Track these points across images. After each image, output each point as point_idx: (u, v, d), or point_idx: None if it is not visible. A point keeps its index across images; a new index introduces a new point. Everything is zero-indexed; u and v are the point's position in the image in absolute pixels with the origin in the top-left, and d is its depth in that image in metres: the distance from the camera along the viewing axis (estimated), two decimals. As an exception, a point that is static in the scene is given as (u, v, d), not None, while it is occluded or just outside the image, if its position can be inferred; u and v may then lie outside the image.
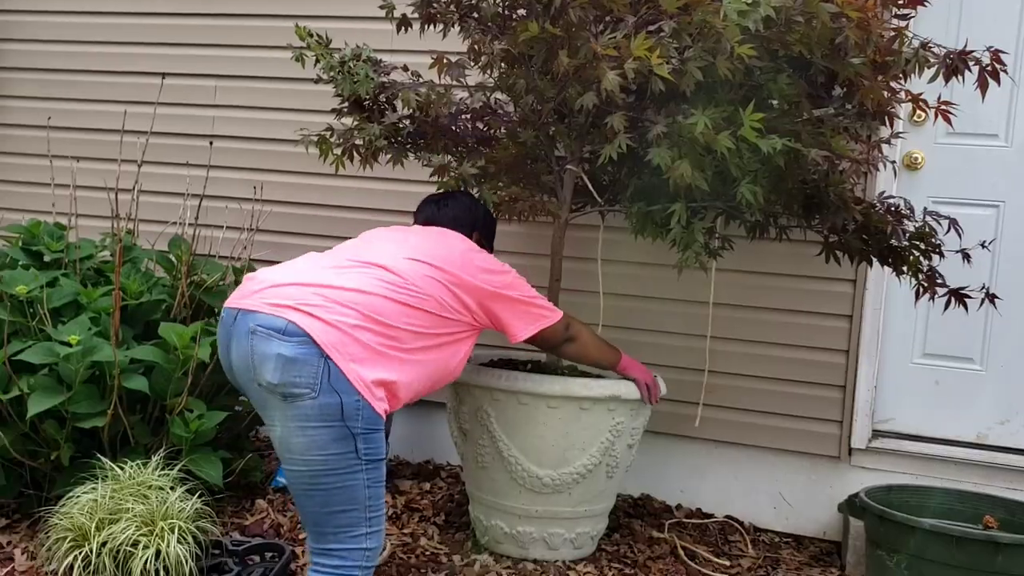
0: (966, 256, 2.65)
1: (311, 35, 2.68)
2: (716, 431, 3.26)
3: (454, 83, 2.53)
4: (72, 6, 3.94)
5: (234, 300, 2.12)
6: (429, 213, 2.61)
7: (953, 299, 2.69)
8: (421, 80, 2.65)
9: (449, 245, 2.37)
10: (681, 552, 2.90)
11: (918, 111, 3.13)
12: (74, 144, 3.81)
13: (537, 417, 2.61)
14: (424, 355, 2.20)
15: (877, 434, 3.19)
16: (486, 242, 2.67)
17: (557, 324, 2.46)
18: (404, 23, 2.65)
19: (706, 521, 3.21)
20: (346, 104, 2.76)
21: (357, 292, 2.10)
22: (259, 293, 2.09)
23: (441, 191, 2.77)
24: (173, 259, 3.12)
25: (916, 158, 3.18)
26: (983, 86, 2.36)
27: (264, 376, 1.99)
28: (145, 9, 3.84)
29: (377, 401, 2.05)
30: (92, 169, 3.67)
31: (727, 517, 3.26)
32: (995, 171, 3.14)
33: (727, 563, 2.89)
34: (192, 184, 3.34)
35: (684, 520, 3.19)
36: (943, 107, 2.43)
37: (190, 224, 3.26)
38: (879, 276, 3.13)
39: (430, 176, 2.79)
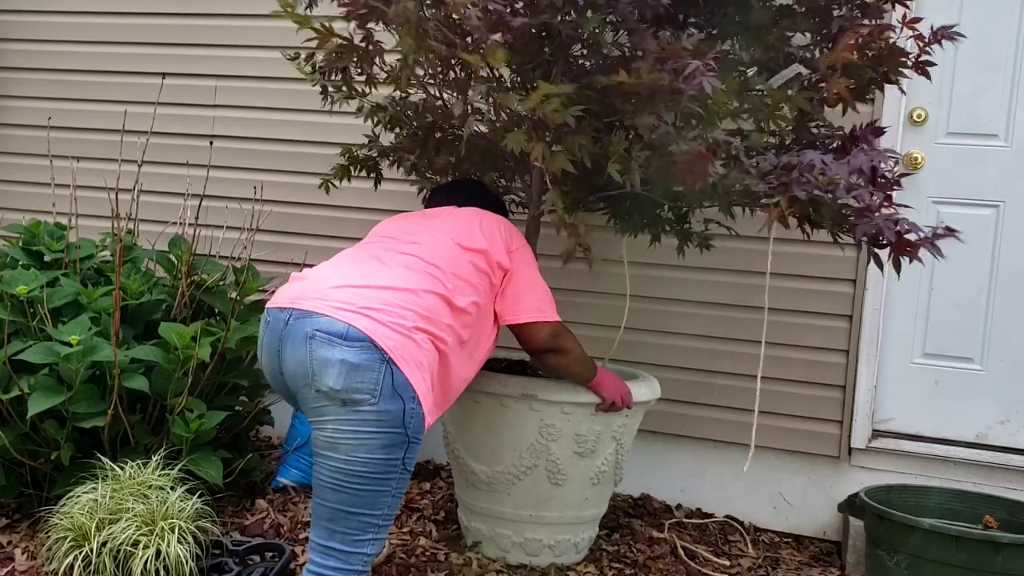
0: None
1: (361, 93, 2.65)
2: (716, 431, 3.27)
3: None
4: (72, 6, 3.94)
5: (285, 300, 2.07)
6: (439, 202, 2.59)
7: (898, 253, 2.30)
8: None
9: (474, 224, 2.35)
10: (681, 552, 2.90)
11: (917, 111, 3.15)
12: (74, 144, 3.81)
13: (468, 411, 2.62)
14: (466, 350, 2.21)
15: (877, 434, 3.19)
16: None
17: (543, 326, 2.37)
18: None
19: (706, 521, 3.21)
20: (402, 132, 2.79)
21: (410, 292, 2.09)
22: (314, 295, 2.05)
23: (448, 180, 2.78)
24: (173, 259, 3.12)
25: (916, 158, 3.18)
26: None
27: (326, 382, 1.96)
28: (145, 9, 3.84)
29: (428, 411, 2.04)
30: (92, 169, 3.67)
31: (727, 517, 3.26)
32: (995, 171, 3.14)
33: (727, 563, 2.89)
34: (192, 184, 3.34)
35: (684, 520, 3.19)
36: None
37: (190, 224, 3.26)
38: (879, 276, 3.13)
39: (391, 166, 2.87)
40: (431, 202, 2.64)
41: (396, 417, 1.97)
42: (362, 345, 1.96)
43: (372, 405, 1.95)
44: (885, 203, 2.27)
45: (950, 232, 2.25)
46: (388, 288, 2.08)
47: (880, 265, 2.33)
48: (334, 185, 2.93)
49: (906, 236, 2.26)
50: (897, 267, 2.30)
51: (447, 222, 2.37)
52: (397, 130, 2.78)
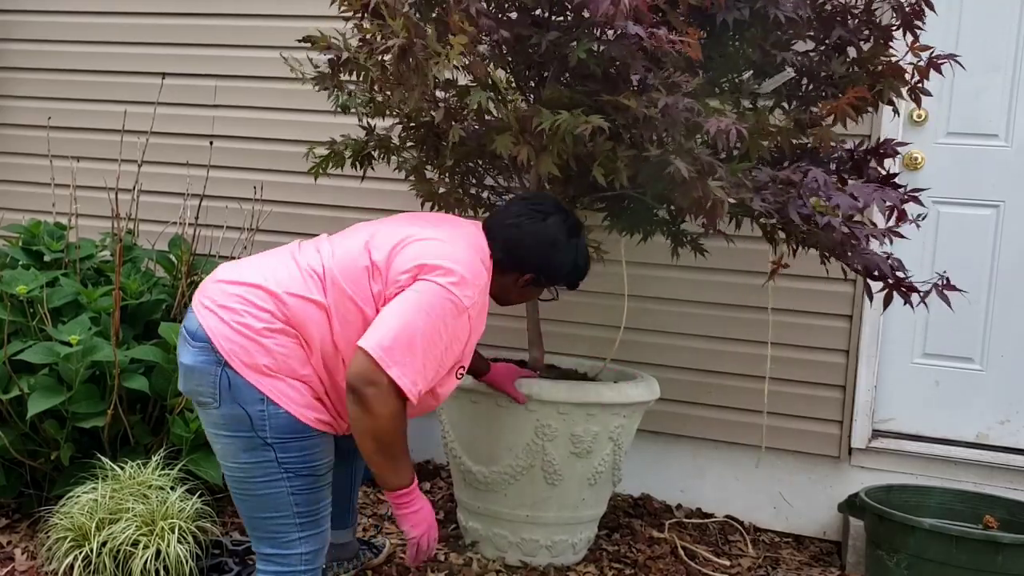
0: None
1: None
2: (716, 431, 3.27)
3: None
4: (72, 6, 3.94)
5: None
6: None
7: (896, 294, 2.36)
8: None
9: (399, 241, 2.01)
10: (681, 552, 2.90)
11: (917, 111, 3.15)
12: (74, 144, 3.81)
13: (466, 411, 2.63)
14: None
15: (877, 434, 3.19)
16: (540, 282, 2.21)
17: (365, 358, 1.85)
18: None
19: (706, 521, 3.21)
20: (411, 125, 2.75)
21: (271, 294, 1.93)
22: (200, 290, 2.01)
23: (533, 197, 2.35)
24: (173, 259, 3.12)
25: (916, 158, 3.18)
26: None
27: (179, 383, 2.00)
28: (145, 9, 3.84)
29: (300, 408, 1.91)
30: (92, 169, 3.67)
31: (727, 517, 3.26)
32: (995, 171, 3.14)
33: (727, 563, 2.89)
34: (192, 184, 3.34)
35: (684, 520, 3.19)
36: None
37: (190, 224, 3.27)
38: (879, 276, 3.13)
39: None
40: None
41: (242, 421, 1.91)
42: (202, 346, 1.92)
43: (216, 409, 1.93)
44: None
45: (950, 287, 2.30)
46: (253, 286, 1.94)
47: (871, 297, 2.39)
48: (323, 171, 2.90)
49: (908, 279, 2.31)
50: (887, 303, 2.37)
51: (393, 228, 2.07)
52: (401, 127, 2.78)
